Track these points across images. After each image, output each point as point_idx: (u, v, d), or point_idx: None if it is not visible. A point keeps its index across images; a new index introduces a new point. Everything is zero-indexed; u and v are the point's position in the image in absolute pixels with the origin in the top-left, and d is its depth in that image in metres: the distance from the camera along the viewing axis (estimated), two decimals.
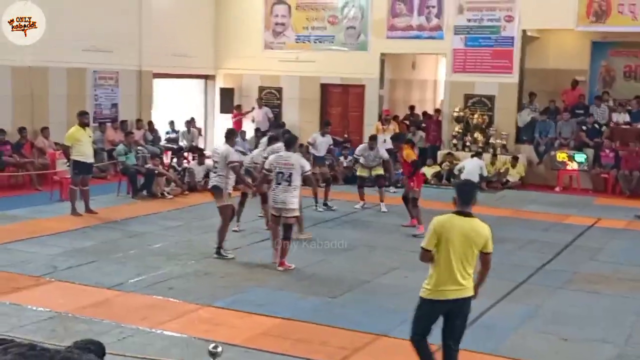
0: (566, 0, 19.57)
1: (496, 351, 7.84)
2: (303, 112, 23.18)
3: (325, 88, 23.15)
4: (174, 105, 24.12)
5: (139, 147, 18.61)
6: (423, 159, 20.07)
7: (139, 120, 21.23)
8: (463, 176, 18.39)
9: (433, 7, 21.31)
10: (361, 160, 16.42)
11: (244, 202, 13.50)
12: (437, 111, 22.65)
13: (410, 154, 14.34)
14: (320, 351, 7.72)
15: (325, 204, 15.89)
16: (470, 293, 6.36)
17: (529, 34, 21.17)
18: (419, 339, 6.52)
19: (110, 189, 17.12)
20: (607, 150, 19.55)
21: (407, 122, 22.42)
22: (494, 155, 20.13)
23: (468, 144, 20.88)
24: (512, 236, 13.24)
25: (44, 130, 18.18)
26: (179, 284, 10.04)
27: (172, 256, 11.50)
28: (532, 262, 11.73)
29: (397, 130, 19.50)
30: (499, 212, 15.67)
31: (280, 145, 12.28)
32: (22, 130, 17.79)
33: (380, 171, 16.31)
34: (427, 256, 6.35)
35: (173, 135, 22.59)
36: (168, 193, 17.04)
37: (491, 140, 20.69)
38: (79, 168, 14.39)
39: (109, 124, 20.41)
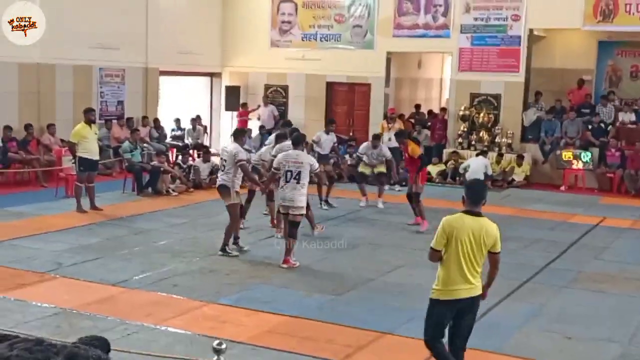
0: None
1: (500, 349, 7.84)
2: (309, 110, 23.17)
3: (331, 86, 23.14)
4: (180, 103, 24.13)
5: (144, 145, 18.65)
6: (428, 157, 20.06)
7: (144, 118, 21.25)
8: (468, 175, 18.39)
9: (440, 5, 21.26)
10: (364, 158, 16.47)
11: (251, 200, 13.51)
12: (443, 110, 22.62)
13: (415, 149, 14.39)
14: (326, 349, 7.72)
15: (326, 201, 15.90)
16: (480, 292, 6.35)
17: (535, 33, 21.12)
18: (433, 341, 6.48)
19: (116, 186, 17.14)
20: (613, 150, 19.52)
21: (413, 121, 22.41)
22: (500, 154, 20.11)
23: (473, 142, 20.86)
24: (517, 235, 13.22)
25: (50, 127, 18.21)
26: (184, 281, 10.06)
27: (177, 253, 11.52)
28: (537, 261, 11.72)
29: (403, 129, 19.49)
30: (504, 210, 15.65)
31: (288, 143, 12.29)
32: (28, 127, 17.83)
33: (382, 169, 16.36)
34: (436, 256, 6.33)
35: (179, 133, 22.58)
36: (173, 190, 17.06)
37: (497, 139, 20.66)
38: (85, 165, 14.41)
39: (114, 121, 20.44)
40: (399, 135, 15.39)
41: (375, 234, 13.61)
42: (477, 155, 19.40)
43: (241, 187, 11.89)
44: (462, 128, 21.09)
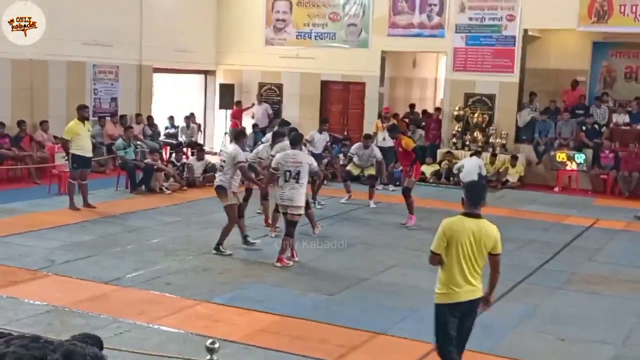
0: (568, 0, 19.54)
1: (494, 350, 7.82)
2: (303, 109, 23.14)
3: (325, 85, 23.12)
4: (174, 101, 24.09)
5: (138, 142, 18.60)
6: (422, 157, 20.07)
7: (138, 115, 21.18)
8: (462, 175, 18.44)
9: (434, 5, 21.25)
10: (355, 159, 16.50)
11: (249, 198, 13.47)
12: (437, 110, 22.62)
13: (409, 142, 14.52)
14: (319, 348, 7.70)
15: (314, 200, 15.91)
16: (480, 294, 6.32)
17: (530, 33, 21.13)
18: (443, 349, 6.41)
19: (109, 184, 17.09)
20: (607, 151, 19.53)
21: (407, 120, 22.38)
22: (494, 154, 20.11)
23: (468, 142, 20.86)
24: (511, 236, 13.18)
25: (43, 124, 18.14)
26: (177, 279, 10.02)
27: (170, 251, 11.48)
28: (531, 262, 11.72)
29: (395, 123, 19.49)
30: (498, 211, 15.63)
31: (287, 142, 12.27)
32: (21, 123, 17.75)
33: (372, 171, 16.42)
34: (436, 259, 6.28)
35: (172, 131, 22.55)
36: (167, 188, 17.01)
37: (491, 140, 20.67)
38: (78, 162, 14.36)
39: (108, 118, 20.37)
40: (391, 129, 15.42)
41: (369, 233, 13.60)
42: (471, 155, 19.41)
43: (239, 186, 11.89)
44: (456, 128, 21.09)
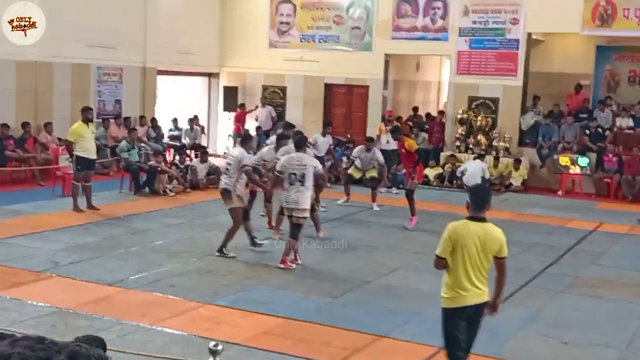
0: (572, 4, 19.53)
1: (497, 354, 7.82)
2: (307, 112, 23.16)
3: (329, 88, 23.13)
4: (178, 103, 24.13)
5: (141, 144, 18.61)
6: (426, 160, 20.07)
7: (142, 117, 21.23)
8: (465, 178, 18.43)
9: (438, 8, 21.27)
10: (357, 162, 16.54)
11: (253, 201, 13.48)
12: (441, 113, 22.61)
13: (412, 143, 14.62)
14: (322, 351, 7.71)
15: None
16: (486, 298, 6.31)
17: (534, 37, 21.14)
18: (454, 355, 6.38)
19: (113, 186, 17.12)
20: (610, 155, 19.51)
21: (410, 124, 22.40)
22: (497, 157, 20.10)
23: (471, 146, 20.85)
24: (514, 239, 13.13)
25: (47, 126, 18.17)
26: (181, 281, 10.03)
27: (173, 253, 11.49)
28: (534, 266, 11.71)
29: (398, 125, 19.52)
30: (501, 215, 15.60)
31: (292, 146, 12.30)
32: (25, 125, 17.79)
33: (374, 173, 16.43)
34: (441, 264, 6.27)
35: (176, 133, 22.58)
36: (170, 190, 17.03)
37: (494, 143, 20.66)
38: (82, 164, 14.38)
39: (112, 120, 20.42)
40: (394, 131, 15.45)
41: (372, 236, 13.61)
42: (474, 158, 19.42)
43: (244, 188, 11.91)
44: (459, 131, 21.09)
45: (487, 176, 18.60)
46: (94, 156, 14.82)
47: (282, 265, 10.88)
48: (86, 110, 14.76)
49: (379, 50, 22.03)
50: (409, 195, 14.49)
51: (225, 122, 24.27)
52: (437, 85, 26.10)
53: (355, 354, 7.69)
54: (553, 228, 15.04)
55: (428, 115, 23.59)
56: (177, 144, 21.95)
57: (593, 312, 9.60)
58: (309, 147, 16.57)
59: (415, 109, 23.65)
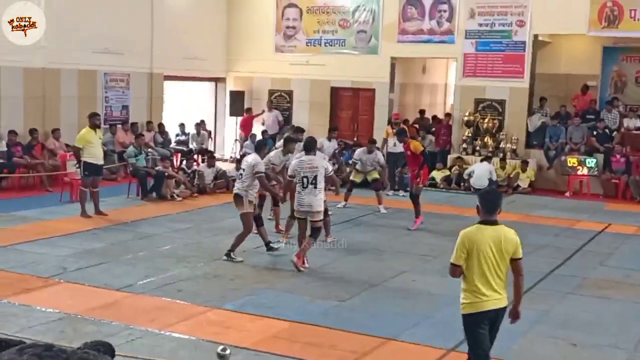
0: (578, 5, 19.51)
1: (504, 355, 7.79)
2: (313, 116, 23.19)
3: (335, 91, 23.16)
4: (184, 108, 24.18)
5: (149, 149, 18.65)
6: (432, 163, 20.08)
7: (149, 123, 21.29)
8: (472, 180, 18.48)
9: (444, 11, 21.28)
10: (358, 165, 16.58)
11: (262, 205, 13.50)
12: (447, 115, 22.61)
13: (417, 145, 14.65)
14: (330, 355, 7.71)
15: None
16: (506, 303, 6.29)
17: (540, 38, 21.12)
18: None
19: (120, 191, 17.16)
20: (618, 156, 19.47)
21: (417, 126, 22.40)
22: (504, 159, 20.08)
23: (478, 148, 20.84)
24: (522, 241, 13.09)
25: (55, 132, 18.24)
26: (188, 286, 10.05)
27: (181, 258, 11.51)
28: (542, 267, 11.69)
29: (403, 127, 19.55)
30: (509, 216, 15.54)
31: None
32: (33, 131, 17.85)
33: (376, 175, 16.48)
34: (457, 271, 6.22)
35: (183, 138, 22.64)
36: (177, 195, 17.06)
37: (501, 145, 20.64)
38: (90, 170, 14.42)
39: (119, 126, 20.48)
40: (399, 134, 15.47)
41: (379, 239, 13.61)
42: (481, 161, 19.45)
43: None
44: (466, 134, 21.08)
45: (495, 178, 18.62)
46: (101, 162, 14.87)
47: (295, 258, 10.93)
48: (93, 116, 14.80)
49: (385, 54, 22.05)
50: (415, 200, 14.55)
51: (232, 126, 24.32)
52: (444, 88, 26.10)
53: (363, 357, 7.69)
54: (561, 229, 15.02)
55: (435, 117, 23.61)
56: (184, 148, 22.01)
57: (601, 313, 9.57)
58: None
59: (422, 112, 23.66)
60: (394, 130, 19.61)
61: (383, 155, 18.81)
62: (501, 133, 20.81)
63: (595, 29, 19.68)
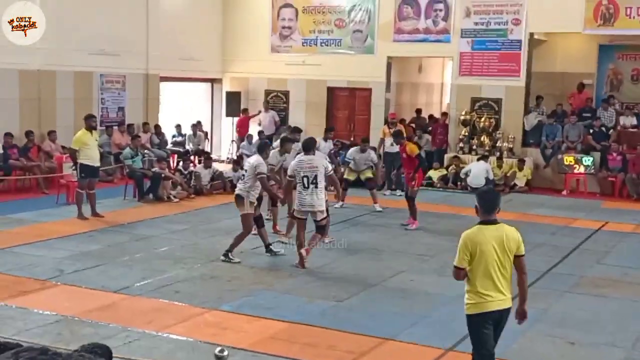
0: (573, 3, 19.53)
1: (503, 355, 7.77)
2: (309, 116, 23.17)
3: (331, 91, 23.15)
4: (181, 109, 24.17)
5: (145, 151, 18.66)
6: (429, 162, 20.09)
7: (145, 124, 21.26)
8: (469, 180, 18.47)
9: (440, 10, 21.28)
10: (351, 164, 16.64)
11: (260, 205, 13.48)
12: (444, 114, 22.62)
13: (413, 148, 14.66)
14: (328, 355, 7.70)
15: None
16: (510, 304, 6.27)
17: (536, 37, 21.13)
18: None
19: (117, 193, 17.15)
20: (615, 154, 19.49)
21: (414, 126, 22.40)
22: (500, 158, 20.09)
23: (474, 147, 20.84)
24: None
25: (51, 134, 18.22)
26: (185, 287, 10.04)
27: (178, 260, 11.50)
28: (539, 266, 11.68)
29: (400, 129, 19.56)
30: (505, 215, 15.46)
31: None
32: (29, 133, 17.83)
33: (369, 174, 16.55)
34: (461, 274, 6.19)
35: (179, 139, 22.62)
36: (174, 196, 17.05)
37: (498, 144, 20.65)
38: (86, 171, 14.40)
39: (115, 128, 20.45)
40: (396, 135, 15.47)
41: (377, 239, 13.60)
42: (478, 159, 19.45)
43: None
44: (463, 133, 21.09)
45: (491, 177, 18.62)
46: (97, 164, 14.84)
47: (303, 252, 11.02)
48: (89, 118, 14.78)
49: (381, 53, 22.05)
50: (410, 203, 14.59)
51: (229, 127, 24.31)
52: (440, 87, 26.12)
53: (361, 358, 7.68)
54: (558, 228, 15.03)
55: (431, 117, 23.62)
56: (181, 150, 21.99)
57: (598, 311, 9.58)
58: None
59: (418, 111, 23.67)
60: (391, 130, 19.65)
61: (380, 155, 18.86)
62: (498, 132, 20.81)
63: (590, 27, 19.71)
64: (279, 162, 13.32)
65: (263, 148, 12.10)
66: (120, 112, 20.96)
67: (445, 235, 13.79)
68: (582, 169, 19.79)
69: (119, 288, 9.86)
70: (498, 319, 6.25)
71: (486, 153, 20.19)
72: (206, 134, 23.63)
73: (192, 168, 18.85)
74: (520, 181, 19.82)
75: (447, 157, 20.98)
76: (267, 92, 23.93)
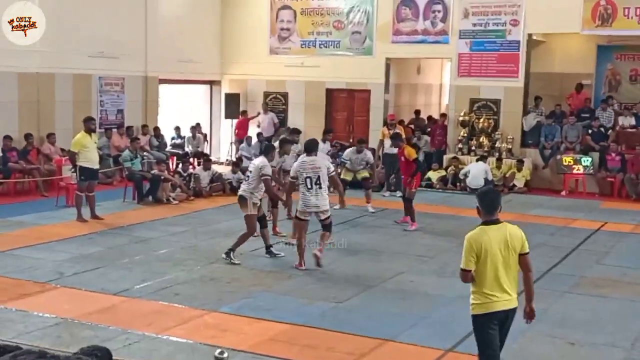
0: (572, 4, 19.54)
1: (505, 355, 7.75)
2: (308, 117, 23.18)
3: (330, 93, 23.15)
4: (180, 111, 24.16)
5: (144, 153, 18.66)
6: (428, 163, 20.11)
7: (144, 126, 21.26)
8: (468, 180, 18.49)
9: (438, 11, 21.28)
10: (347, 164, 16.68)
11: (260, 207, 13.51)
12: (443, 115, 22.63)
13: (411, 151, 14.71)
14: (328, 356, 7.71)
15: None
16: (516, 304, 6.26)
17: (534, 37, 21.14)
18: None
19: (116, 195, 17.15)
20: (613, 154, 19.50)
21: (413, 127, 22.42)
22: (499, 159, 20.10)
23: (473, 148, 20.84)
24: None
25: (50, 137, 18.21)
26: (185, 289, 10.04)
27: (177, 262, 11.50)
28: (539, 266, 11.64)
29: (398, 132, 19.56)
30: (505, 216, 15.47)
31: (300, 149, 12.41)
32: (28, 136, 17.82)
33: (365, 174, 16.57)
34: (468, 276, 6.18)
35: (179, 141, 22.60)
36: (173, 199, 17.05)
37: (497, 145, 20.65)
38: (85, 174, 14.40)
39: (114, 130, 20.44)
40: (394, 138, 15.49)
41: (376, 240, 13.60)
42: (477, 160, 19.46)
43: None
44: (462, 133, 21.09)
45: (490, 178, 18.64)
46: (97, 166, 14.84)
47: (318, 253, 11.08)
48: (88, 120, 14.78)
49: (380, 55, 22.06)
50: (407, 204, 14.63)
51: (228, 129, 24.31)
52: (439, 88, 26.14)
53: (361, 359, 7.69)
54: (557, 228, 15.03)
55: (430, 118, 23.64)
56: (180, 152, 21.98)
57: (598, 311, 9.58)
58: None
59: (417, 112, 23.68)
60: (390, 132, 19.66)
61: (379, 157, 18.88)
62: (496, 132, 20.81)
63: (589, 28, 19.72)
64: (278, 163, 13.36)
65: (268, 150, 12.11)
66: (119, 114, 20.96)
67: (444, 236, 13.80)
68: (581, 170, 19.79)
69: (118, 290, 9.86)
70: (503, 319, 6.23)
71: (485, 154, 20.20)
72: (205, 136, 23.63)
73: (191, 170, 18.84)
74: (519, 182, 19.82)
75: (446, 158, 20.98)
76: (266, 94, 23.94)
